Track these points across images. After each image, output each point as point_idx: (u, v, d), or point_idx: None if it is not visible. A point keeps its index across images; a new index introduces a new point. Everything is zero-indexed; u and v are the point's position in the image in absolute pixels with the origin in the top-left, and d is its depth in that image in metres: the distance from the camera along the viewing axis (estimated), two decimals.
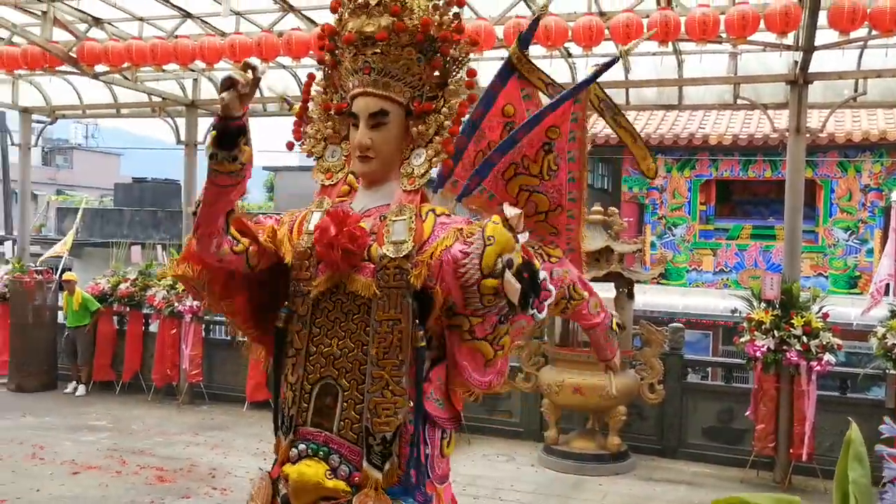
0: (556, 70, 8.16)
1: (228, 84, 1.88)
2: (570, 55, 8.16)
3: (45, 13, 8.25)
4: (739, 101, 8.42)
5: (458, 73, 2.24)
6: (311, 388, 2.18)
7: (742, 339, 7.04)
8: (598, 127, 13.87)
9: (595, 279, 7.07)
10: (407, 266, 2.08)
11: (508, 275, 1.95)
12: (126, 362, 9.89)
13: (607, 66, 2.82)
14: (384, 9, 2.16)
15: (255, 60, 2.15)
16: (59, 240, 12.29)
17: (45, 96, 11.02)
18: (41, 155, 34.54)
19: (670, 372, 7.60)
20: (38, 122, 11.62)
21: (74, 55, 8.50)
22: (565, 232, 2.78)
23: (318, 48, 2.37)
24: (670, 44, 7.22)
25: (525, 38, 2.86)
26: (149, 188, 21.60)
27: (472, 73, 2.26)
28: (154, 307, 9.50)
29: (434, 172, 2.30)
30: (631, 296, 7.44)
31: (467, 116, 2.62)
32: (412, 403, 2.12)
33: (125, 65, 8.55)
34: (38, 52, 8.54)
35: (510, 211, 2.01)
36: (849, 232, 13.00)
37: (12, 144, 16.21)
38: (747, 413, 7.07)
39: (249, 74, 1.91)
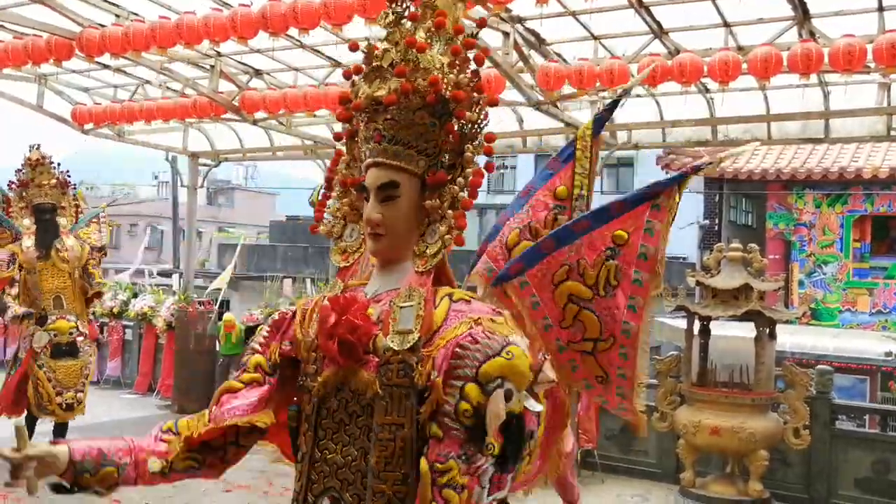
0: (693, 107, 8.10)
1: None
2: (707, 90, 8.07)
3: (213, 67, 9.06)
4: (893, 133, 8.00)
5: (475, 136, 1.95)
6: (315, 500, 1.91)
7: None
8: (741, 162, 13.51)
9: (733, 318, 6.91)
10: (412, 360, 1.79)
11: (499, 396, 1.68)
12: None
13: (697, 169, 2.46)
14: (396, 72, 1.93)
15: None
16: (220, 273, 13.23)
17: (210, 142, 11.95)
18: (206, 195, 37.18)
19: (817, 417, 7.18)
20: (204, 165, 12.56)
21: (237, 104, 9.26)
22: (616, 380, 2.27)
23: (337, 118, 2.12)
24: (814, 75, 7.01)
25: (598, 120, 2.57)
26: (301, 226, 22.76)
27: (490, 139, 1.98)
28: None
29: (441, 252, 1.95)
30: (773, 336, 7.15)
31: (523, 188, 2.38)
32: None
33: (281, 111, 9.23)
34: (205, 102, 9.36)
35: (548, 373, 1.85)
36: None
37: (181, 186, 17.63)
38: None
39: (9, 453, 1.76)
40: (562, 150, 2.36)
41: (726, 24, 6.96)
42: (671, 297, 7.12)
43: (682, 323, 7.14)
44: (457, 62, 1.93)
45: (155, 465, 1.99)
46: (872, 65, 6.38)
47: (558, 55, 7.61)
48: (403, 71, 1.90)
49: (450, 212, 1.90)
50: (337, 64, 8.93)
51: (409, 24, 1.96)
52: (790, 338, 10.31)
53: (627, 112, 8.24)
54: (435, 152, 1.95)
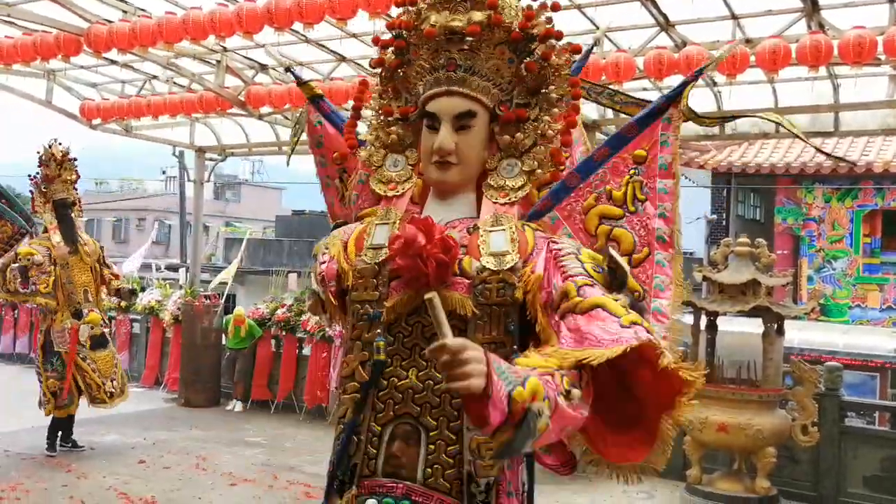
0: (700, 100, 8.04)
1: None
2: (714, 83, 8.01)
3: (219, 62, 9.07)
4: None
5: (555, 80, 1.99)
6: (381, 430, 1.85)
7: None
8: (749, 156, 13.41)
9: (741, 313, 6.86)
10: (513, 280, 1.83)
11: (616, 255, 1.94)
12: (281, 383, 10.45)
13: (698, 75, 2.46)
14: (473, 3, 1.95)
15: None
16: (226, 267, 13.26)
17: (216, 136, 12.00)
18: (213, 190, 37.34)
19: (826, 414, 7.13)
20: (211, 159, 12.62)
21: (243, 98, 9.27)
22: (653, 291, 2.21)
23: (380, 45, 2.10)
24: (823, 68, 6.94)
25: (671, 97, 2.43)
26: (306, 220, 22.79)
27: (575, 83, 2.03)
28: (307, 332, 10.05)
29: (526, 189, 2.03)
30: (780, 331, 7.09)
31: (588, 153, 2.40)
32: None
33: (286, 106, 9.24)
34: (211, 97, 9.39)
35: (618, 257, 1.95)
36: None
37: (189, 181, 17.70)
38: None
39: None
40: (637, 117, 2.32)
41: (734, 17, 6.91)
42: None
43: (688, 318, 7.08)
44: (533, 5, 1.98)
45: None
46: (883, 57, 6.34)
47: None
48: (494, 3, 1.92)
49: (541, 148, 1.96)
50: (342, 59, 8.92)
51: None
52: (798, 334, 10.23)
53: None
54: (508, 88, 1.98)
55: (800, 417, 6.83)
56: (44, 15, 7.67)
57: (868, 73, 7.49)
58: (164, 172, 38.19)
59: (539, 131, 1.97)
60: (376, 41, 2.12)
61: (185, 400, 10.74)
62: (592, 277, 1.83)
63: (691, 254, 16.44)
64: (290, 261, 18.64)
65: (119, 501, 6.37)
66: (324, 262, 2.04)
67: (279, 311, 10.48)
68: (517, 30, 1.94)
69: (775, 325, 6.98)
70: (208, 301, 11.05)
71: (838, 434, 7.29)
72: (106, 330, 7.71)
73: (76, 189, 7.66)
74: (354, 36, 8.11)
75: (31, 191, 7.53)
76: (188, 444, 8.51)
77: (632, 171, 2.22)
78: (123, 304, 11.08)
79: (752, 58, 6.65)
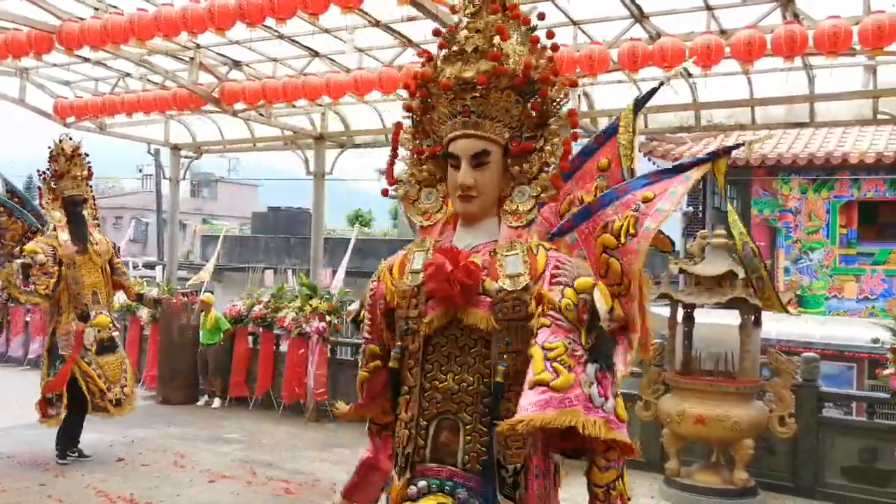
0: (677, 91, 8.04)
1: None
2: (689, 75, 8.01)
3: (192, 59, 8.98)
4: (879, 116, 7.95)
5: (556, 112, 2.30)
6: (428, 424, 2.20)
7: (886, 372, 6.56)
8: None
9: (718, 305, 6.86)
10: (526, 298, 2.14)
11: (597, 295, 2.09)
12: (259, 379, 10.39)
13: (728, 151, 2.74)
14: (480, 55, 2.25)
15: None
16: (204, 265, 13.17)
17: (191, 134, 11.91)
18: (189, 187, 37.13)
19: (804, 405, 7.13)
20: (186, 157, 12.52)
21: (217, 95, 9.18)
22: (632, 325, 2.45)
23: (410, 94, 2.43)
24: (798, 58, 6.95)
25: (638, 103, 2.85)
26: (282, 216, 22.73)
27: (573, 113, 2.33)
28: (284, 328, 9.98)
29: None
30: (758, 323, 7.11)
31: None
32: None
33: (260, 102, 9.17)
34: (185, 94, 9.30)
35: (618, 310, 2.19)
36: None
37: (165, 178, 17.57)
38: (895, 452, 6.55)
39: None
40: (604, 129, 2.69)
41: (708, 8, 6.90)
42: (654, 284, 7.06)
43: (665, 311, 7.08)
44: (536, 48, 2.29)
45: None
46: (858, 47, 6.34)
47: None
48: (497, 56, 2.23)
49: (541, 175, 2.26)
50: (315, 54, 8.85)
51: (489, 16, 2.28)
52: (776, 325, 10.25)
53: (608, 98, 8.21)
54: (518, 125, 2.29)
55: (777, 409, 6.86)
56: (15, 13, 7.56)
57: (843, 64, 7.48)
58: (140, 170, 37.95)
59: (543, 160, 2.27)
60: (406, 88, 2.44)
61: (163, 397, 10.67)
62: (560, 315, 2.08)
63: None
64: (266, 257, 18.57)
65: (97, 500, 6.30)
66: (374, 282, 2.42)
67: (256, 308, 10.40)
68: (520, 76, 2.24)
69: (752, 317, 6.99)
70: (185, 298, 10.96)
71: (816, 425, 7.32)
72: (116, 333, 7.40)
73: (90, 186, 7.36)
74: (327, 31, 8.05)
75: (39, 186, 7.25)
76: (166, 442, 8.43)
77: (634, 207, 2.44)
78: (148, 313, 10.90)
79: (727, 49, 6.64)
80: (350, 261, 10.83)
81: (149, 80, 10.03)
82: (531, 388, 1.98)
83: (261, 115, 10.23)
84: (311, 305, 9.80)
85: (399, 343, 2.29)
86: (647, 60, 6.87)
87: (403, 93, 9.02)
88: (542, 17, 2.49)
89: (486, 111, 2.25)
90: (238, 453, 8.13)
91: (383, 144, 10.51)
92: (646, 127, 9.02)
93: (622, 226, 2.43)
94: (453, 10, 2.47)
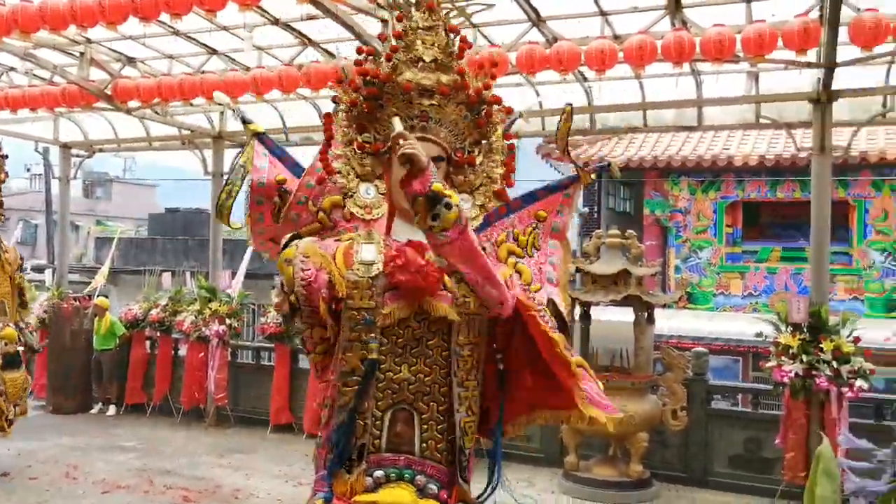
0: (572, 95, 8.25)
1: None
2: (585, 79, 8.23)
3: (82, 54, 8.60)
4: (761, 121, 8.35)
5: (493, 132, 2.54)
6: (382, 414, 2.26)
7: (769, 364, 6.90)
8: (619, 151, 13.92)
9: (613, 302, 7.10)
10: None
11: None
12: (157, 385, 10.10)
13: (601, 168, 3.08)
14: (440, 67, 2.41)
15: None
16: (98, 268, 12.64)
17: (83, 132, 11.40)
18: (82, 187, 35.52)
19: (694, 398, 7.46)
20: (78, 156, 11.99)
21: (109, 92, 8.83)
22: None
23: (352, 87, 2.48)
24: (687, 64, 7.22)
25: (602, 168, 3.09)
26: (180, 217, 22.06)
27: (509, 137, 2.60)
28: (183, 332, 9.72)
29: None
30: (651, 320, 7.39)
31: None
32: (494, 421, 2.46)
33: (156, 100, 8.87)
34: (75, 90, 8.89)
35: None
36: (885, 254, 12.66)
37: (54, 178, 16.73)
38: (776, 441, 6.91)
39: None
40: (547, 185, 2.89)
41: (602, 13, 7.09)
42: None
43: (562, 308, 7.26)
44: (483, 70, 2.54)
45: None
46: (741, 54, 6.60)
47: None
48: (462, 71, 2.45)
49: (483, 187, 2.52)
50: (213, 52, 8.64)
51: (444, 34, 2.46)
52: (668, 322, 10.69)
53: (506, 101, 8.31)
54: (462, 137, 2.50)
55: (670, 402, 7.11)
56: None
57: (728, 70, 7.82)
58: (28, 170, 36.06)
59: (486, 174, 2.53)
60: (351, 84, 2.49)
61: (54, 406, 10.26)
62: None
63: None
64: (164, 259, 18.00)
65: None
66: (308, 269, 2.28)
67: (153, 312, 10.08)
68: (474, 94, 2.46)
69: (646, 314, 7.25)
70: (77, 303, 10.50)
71: (705, 417, 7.66)
72: (21, 348, 7.00)
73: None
74: (225, 28, 7.87)
75: None
76: (57, 453, 8.10)
77: (533, 225, 2.76)
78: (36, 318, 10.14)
79: (621, 54, 6.86)
80: (249, 263, 10.62)
81: (35, 76, 9.53)
82: (576, 371, 2.32)
83: (156, 113, 9.89)
84: (210, 308, 9.59)
85: (351, 335, 2.27)
86: (544, 64, 7.02)
87: (304, 91, 8.88)
88: (463, 39, 2.56)
89: (441, 119, 2.42)
90: (134, 462, 7.87)
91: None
92: (542, 129, 9.20)
93: (527, 241, 2.72)
94: (382, 38, 2.63)
